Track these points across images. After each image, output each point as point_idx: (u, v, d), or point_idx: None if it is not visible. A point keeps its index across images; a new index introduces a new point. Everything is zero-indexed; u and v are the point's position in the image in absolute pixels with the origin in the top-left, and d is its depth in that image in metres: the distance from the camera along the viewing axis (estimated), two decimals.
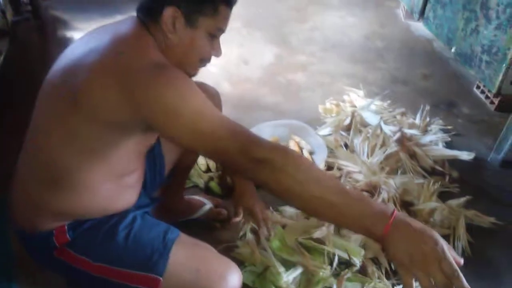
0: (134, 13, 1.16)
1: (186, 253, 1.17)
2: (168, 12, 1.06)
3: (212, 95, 1.59)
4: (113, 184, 1.16)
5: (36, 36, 3.45)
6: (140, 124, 1.07)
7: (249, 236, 1.64)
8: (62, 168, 1.09)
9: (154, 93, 0.99)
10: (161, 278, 1.11)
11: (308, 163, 1.01)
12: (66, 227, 1.14)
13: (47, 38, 3.42)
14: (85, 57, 1.06)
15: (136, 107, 1.01)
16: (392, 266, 1.60)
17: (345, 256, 1.56)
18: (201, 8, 1.08)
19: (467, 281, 0.84)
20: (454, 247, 1.71)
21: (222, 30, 1.15)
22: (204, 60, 1.18)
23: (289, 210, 1.81)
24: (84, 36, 1.19)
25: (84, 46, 1.10)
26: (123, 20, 1.17)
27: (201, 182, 1.97)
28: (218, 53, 1.19)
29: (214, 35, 1.14)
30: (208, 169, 2.05)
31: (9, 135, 2.04)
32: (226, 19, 1.14)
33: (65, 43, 3.21)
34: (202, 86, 1.59)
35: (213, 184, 1.96)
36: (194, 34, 1.11)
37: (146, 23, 1.11)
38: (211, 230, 1.74)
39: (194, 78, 1.20)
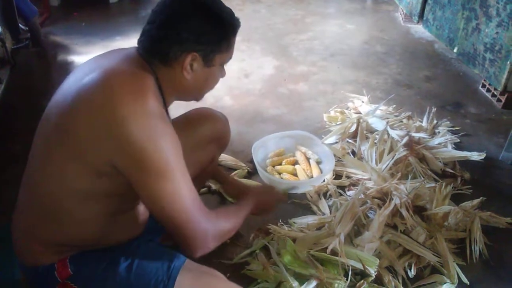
0: (134, 39, 1.14)
1: (192, 283, 1.13)
2: (188, 59, 1.08)
3: (219, 120, 1.58)
4: (111, 219, 1.13)
5: (37, 62, 3.47)
6: (116, 170, 1.02)
7: (260, 251, 1.60)
8: (57, 203, 1.06)
9: (137, 136, 0.97)
10: None
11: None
12: (68, 260, 1.11)
13: (48, 64, 3.43)
14: (77, 94, 1.03)
15: (114, 144, 0.99)
16: (409, 274, 1.55)
17: (359, 266, 1.51)
18: (217, 47, 1.12)
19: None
20: (470, 250, 1.66)
21: (231, 57, 1.21)
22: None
23: (299, 222, 1.77)
24: (81, 66, 1.16)
25: (79, 81, 1.06)
26: (122, 52, 1.15)
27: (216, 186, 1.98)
28: (223, 75, 1.24)
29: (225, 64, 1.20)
30: None
31: (12, 163, 2.04)
32: (233, 47, 1.19)
33: (66, 68, 3.23)
34: (210, 112, 1.57)
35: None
36: (210, 71, 1.16)
37: (150, 61, 1.10)
38: (221, 246, 1.69)
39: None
